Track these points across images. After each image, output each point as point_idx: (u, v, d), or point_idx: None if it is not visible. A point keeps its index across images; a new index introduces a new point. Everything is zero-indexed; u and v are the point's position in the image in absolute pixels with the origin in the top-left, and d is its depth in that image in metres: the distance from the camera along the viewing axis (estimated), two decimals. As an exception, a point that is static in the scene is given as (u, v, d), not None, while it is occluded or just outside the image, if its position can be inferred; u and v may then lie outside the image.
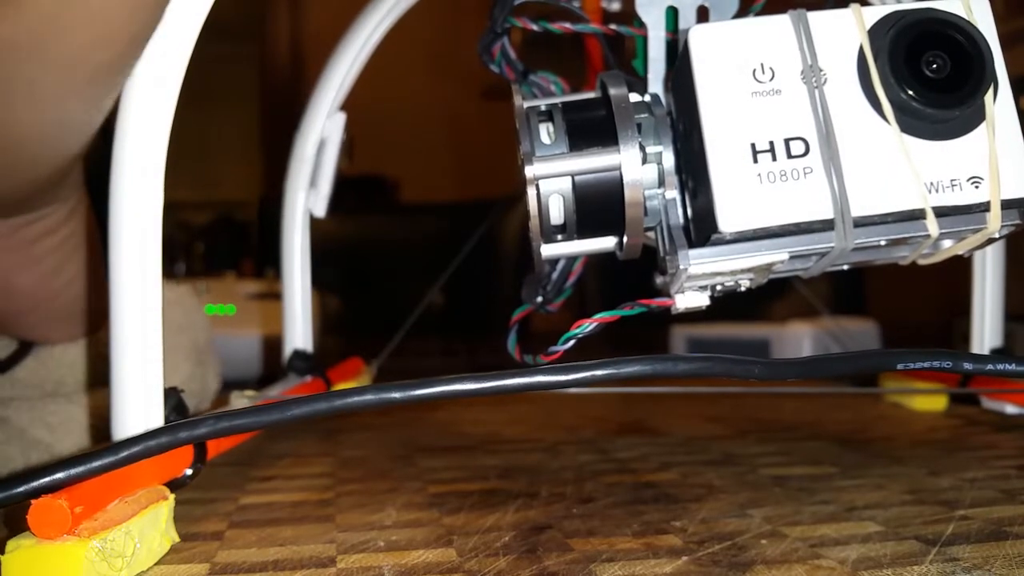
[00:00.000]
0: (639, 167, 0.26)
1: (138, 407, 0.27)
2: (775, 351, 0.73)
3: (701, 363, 0.25)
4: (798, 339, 0.72)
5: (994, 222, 0.25)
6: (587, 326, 0.28)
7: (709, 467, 0.35)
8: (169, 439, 0.24)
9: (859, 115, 0.25)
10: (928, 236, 0.25)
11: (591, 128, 0.27)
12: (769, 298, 0.88)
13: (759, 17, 0.26)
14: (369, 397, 0.23)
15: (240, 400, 0.38)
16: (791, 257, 0.26)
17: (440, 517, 0.28)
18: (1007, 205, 0.25)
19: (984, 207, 0.25)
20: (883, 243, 0.26)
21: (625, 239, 0.28)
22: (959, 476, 0.32)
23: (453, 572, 0.23)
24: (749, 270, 0.27)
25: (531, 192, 0.27)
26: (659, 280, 0.30)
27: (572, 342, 0.28)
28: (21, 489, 0.22)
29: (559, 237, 0.28)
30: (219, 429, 0.24)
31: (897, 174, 0.25)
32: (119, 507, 0.23)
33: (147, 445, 0.23)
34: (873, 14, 0.25)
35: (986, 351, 0.42)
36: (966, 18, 0.25)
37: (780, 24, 0.25)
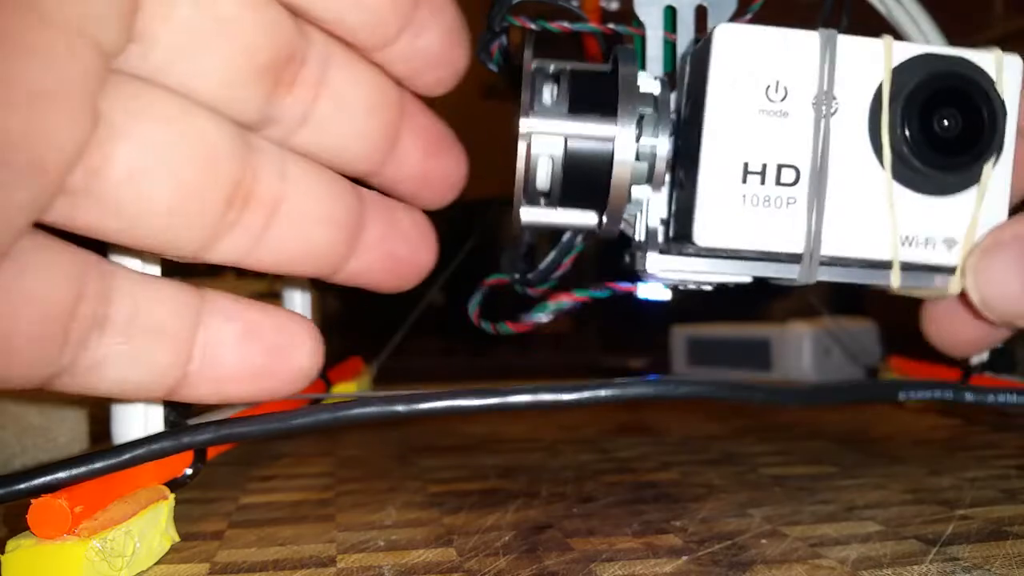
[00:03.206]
0: (632, 145, 0.26)
1: (138, 405, 0.27)
2: (775, 351, 0.73)
3: (703, 387, 0.25)
4: (798, 339, 0.72)
5: (954, 287, 0.26)
6: (564, 303, 0.28)
7: (709, 467, 0.35)
8: (172, 443, 0.24)
9: (857, 153, 0.25)
10: (888, 287, 0.26)
11: (593, 96, 0.27)
12: (769, 298, 0.88)
13: (788, 29, 0.25)
14: (373, 409, 0.24)
15: (240, 400, 0.38)
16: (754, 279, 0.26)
17: (440, 517, 0.28)
18: None
19: (950, 270, 0.25)
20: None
21: (604, 219, 0.27)
22: (959, 476, 0.32)
23: (453, 571, 0.23)
24: (710, 283, 0.27)
25: (521, 148, 0.26)
26: (627, 259, 0.30)
27: (547, 316, 0.29)
28: (22, 487, 0.22)
29: (541, 202, 0.28)
30: (222, 436, 0.24)
31: (876, 222, 0.25)
32: (119, 507, 0.23)
33: (150, 448, 0.23)
34: (904, 52, 0.25)
35: (986, 352, 0.42)
36: (993, 76, 0.24)
37: (807, 41, 0.25)
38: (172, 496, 0.26)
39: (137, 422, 0.27)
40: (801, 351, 0.71)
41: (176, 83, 0.22)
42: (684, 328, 0.79)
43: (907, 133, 0.24)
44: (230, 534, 0.27)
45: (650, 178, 0.27)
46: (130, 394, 0.24)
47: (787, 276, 0.26)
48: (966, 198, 0.25)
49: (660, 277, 0.27)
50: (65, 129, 0.19)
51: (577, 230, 0.30)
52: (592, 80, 0.27)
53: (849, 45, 0.25)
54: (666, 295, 0.29)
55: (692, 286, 0.29)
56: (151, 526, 0.24)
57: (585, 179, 0.27)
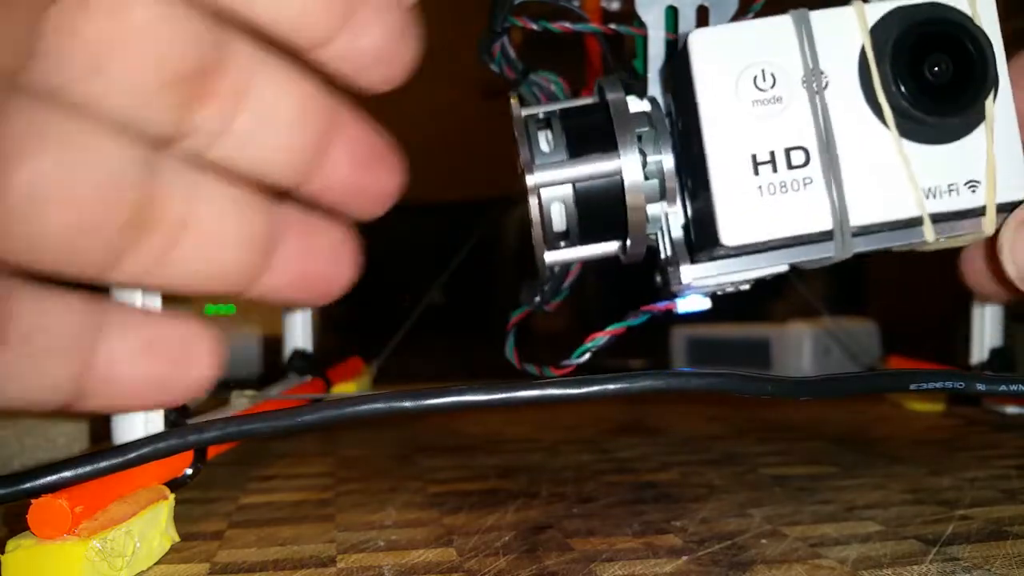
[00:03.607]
0: (639, 171, 0.26)
1: (138, 406, 0.27)
2: (775, 351, 0.73)
3: (714, 379, 0.24)
4: (798, 339, 0.72)
5: (989, 226, 0.25)
6: (600, 339, 0.28)
7: (709, 467, 0.35)
8: (178, 442, 0.24)
9: (859, 120, 0.25)
10: (925, 242, 0.25)
11: (590, 134, 0.27)
12: (769, 298, 0.88)
13: (759, 19, 0.25)
14: (380, 405, 0.23)
15: (240, 400, 0.38)
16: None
17: (440, 517, 0.28)
18: (1003, 208, 0.25)
19: (980, 211, 0.25)
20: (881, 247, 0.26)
21: (628, 244, 0.28)
22: (959, 476, 0.32)
23: (453, 572, 0.23)
24: (748, 280, 0.27)
25: (532, 201, 0.27)
26: (660, 280, 0.30)
27: (587, 356, 0.29)
28: (25, 487, 0.22)
29: (562, 244, 0.28)
30: (228, 434, 0.24)
31: (896, 182, 0.25)
32: (119, 507, 0.23)
33: (156, 447, 0.23)
34: (876, 11, 0.25)
35: (986, 352, 0.42)
36: (970, 15, 0.24)
37: (781, 26, 0.25)
38: (172, 496, 0.26)
39: (138, 421, 0.27)
40: (801, 351, 0.72)
41: (81, 100, 0.21)
42: (684, 328, 0.79)
43: (902, 88, 0.24)
44: (230, 534, 0.27)
45: (663, 194, 0.27)
46: (24, 408, 0.23)
47: (823, 255, 0.26)
48: (976, 137, 0.25)
49: (696, 286, 0.27)
50: None
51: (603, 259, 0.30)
52: (583, 116, 0.28)
53: (823, 18, 0.25)
54: (706, 304, 0.29)
55: (730, 288, 0.28)
56: (151, 526, 0.24)
57: (601, 214, 0.27)
